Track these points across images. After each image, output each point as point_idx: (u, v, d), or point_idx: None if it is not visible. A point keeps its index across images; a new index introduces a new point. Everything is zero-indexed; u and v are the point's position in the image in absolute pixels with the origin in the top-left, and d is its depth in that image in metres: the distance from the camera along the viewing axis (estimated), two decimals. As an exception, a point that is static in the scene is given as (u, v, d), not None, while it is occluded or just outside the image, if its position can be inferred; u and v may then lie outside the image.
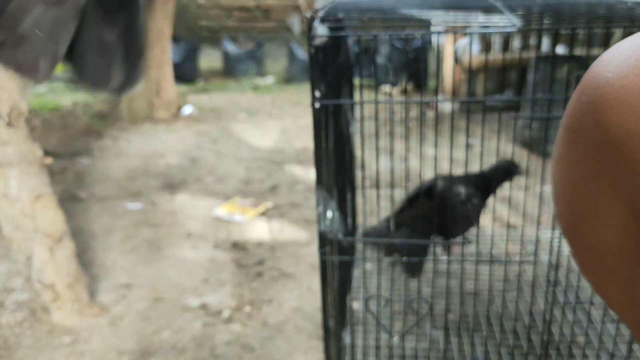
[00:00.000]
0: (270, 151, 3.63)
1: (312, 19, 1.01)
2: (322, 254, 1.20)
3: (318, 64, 1.04)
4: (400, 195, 2.90)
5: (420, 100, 1.10)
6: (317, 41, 1.00)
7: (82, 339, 1.84)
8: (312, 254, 2.35)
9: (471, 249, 2.19)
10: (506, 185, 1.76)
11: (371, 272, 2.05)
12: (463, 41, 4.06)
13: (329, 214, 1.19)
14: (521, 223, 2.40)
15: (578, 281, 1.76)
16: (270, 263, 2.28)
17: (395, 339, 1.65)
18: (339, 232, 1.30)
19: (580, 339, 1.63)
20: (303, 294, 2.07)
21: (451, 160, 1.35)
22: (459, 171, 1.74)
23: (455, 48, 4.10)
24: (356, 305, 1.84)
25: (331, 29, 1.02)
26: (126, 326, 1.90)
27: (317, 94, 1.07)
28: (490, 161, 1.81)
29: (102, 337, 1.85)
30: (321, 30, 1.00)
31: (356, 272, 2.02)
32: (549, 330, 1.59)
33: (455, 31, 1.07)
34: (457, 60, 4.08)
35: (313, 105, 1.06)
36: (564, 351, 1.58)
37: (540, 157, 3.17)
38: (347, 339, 1.59)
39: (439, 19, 1.06)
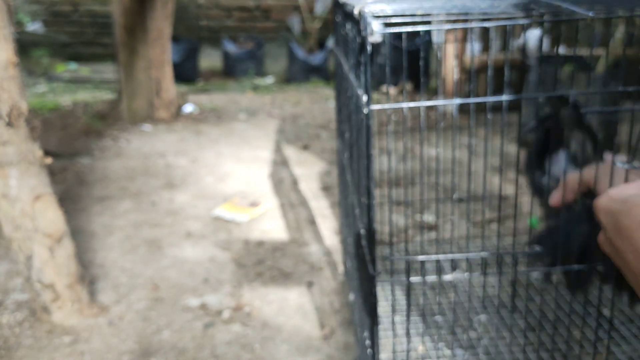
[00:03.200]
0: (271, 151, 3.63)
1: (363, 14, 0.93)
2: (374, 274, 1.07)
3: (371, 64, 0.95)
4: (401, 195, 2.91)
5: (439, 102, 1.05)
6: (375, 38, 0.91)
7: (82, 339, 1.84)
8: (312, 253, 2.35)
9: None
10: (509, 186, 1.75)
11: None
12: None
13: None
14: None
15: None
16: (270, 263, 2.28)
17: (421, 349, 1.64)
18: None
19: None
20: (303, 293, 2.07)
21: (453, 160, 1.33)
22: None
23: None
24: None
25: (386, 25, 0.93)
26: (126, 326, 1.90)
27: (365, 98, 1.00)
28: (492, 161, 1.81)
29: (102, 337, 1.85)
30: (377, 27, 0.90)
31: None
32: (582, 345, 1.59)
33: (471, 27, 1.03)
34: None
35: (363, 110, 0.98)
36: None
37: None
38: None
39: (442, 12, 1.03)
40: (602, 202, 0.46)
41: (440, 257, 1.17)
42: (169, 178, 3.18)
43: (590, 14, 0.89)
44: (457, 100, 1.02)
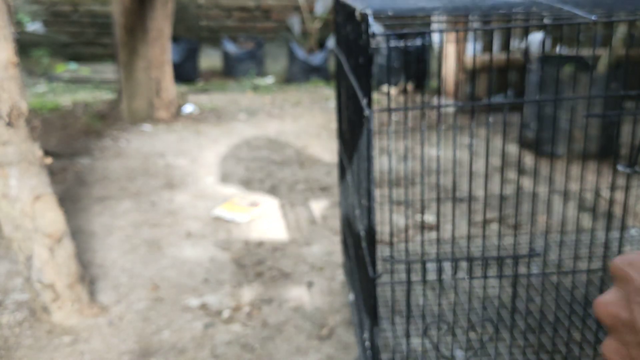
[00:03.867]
0: (271, 151, 3.63)
1: (365, 16, 0.90)
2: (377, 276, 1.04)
3: (371, 67, 0.92)
4: (401, 195, 2.91)
5: (440, 106, 1.05)
6: (377, 42, 0.86)
7: (82, 339, 1.84)
8: (312, 254, 2.34)
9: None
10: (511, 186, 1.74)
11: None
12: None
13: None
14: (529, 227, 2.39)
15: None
16: (270, 263, 2.28)
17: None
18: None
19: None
20: (303, 294, 2.07)
21: (454, 161, 1.33)
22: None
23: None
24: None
25: (387, 26, 0.90)
26: (126, 326, 1.90)
27: (366, 101, 0.96)
28: (493, 161, 1.81)
29: (102, 337, 1.85)
30: (378, 30, 0.87)
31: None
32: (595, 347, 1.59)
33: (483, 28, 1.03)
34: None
35: (364, 113, 0.95)
36: None
37: (540, 157, 3.16)
38: None
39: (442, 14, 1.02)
40: (606, 304, 0.39)
41: (441, 260, 1.17)
42: (168, 178, 3.18)
43: (593, 17, 0.89)
44: (458, 104, 1.01)
